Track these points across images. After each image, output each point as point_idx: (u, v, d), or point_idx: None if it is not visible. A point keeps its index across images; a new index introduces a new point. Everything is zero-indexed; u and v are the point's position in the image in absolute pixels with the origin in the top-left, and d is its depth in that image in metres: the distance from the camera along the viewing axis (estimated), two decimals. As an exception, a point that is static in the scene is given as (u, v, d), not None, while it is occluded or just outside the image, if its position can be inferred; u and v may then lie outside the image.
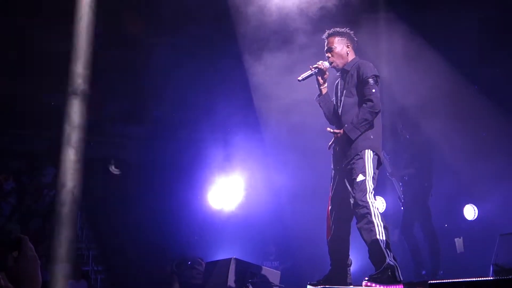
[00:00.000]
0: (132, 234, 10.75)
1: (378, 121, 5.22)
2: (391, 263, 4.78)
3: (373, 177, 5.03)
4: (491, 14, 8.16)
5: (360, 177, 4.99)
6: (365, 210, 4.88)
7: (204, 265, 8.17)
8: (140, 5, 9.64)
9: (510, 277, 3.32)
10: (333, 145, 5.30)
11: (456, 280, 3.55)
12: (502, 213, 8.66)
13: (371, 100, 5.06)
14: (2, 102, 10.86)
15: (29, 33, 9.87)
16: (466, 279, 3.53)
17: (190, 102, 10.97)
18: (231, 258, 6.59)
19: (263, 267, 6.98)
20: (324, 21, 6.83)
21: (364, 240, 4.92)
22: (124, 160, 11.75)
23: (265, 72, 8.09)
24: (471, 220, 9.49)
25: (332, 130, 5.25)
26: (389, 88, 8.27)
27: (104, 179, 11.47)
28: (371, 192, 4.96)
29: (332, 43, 5.41)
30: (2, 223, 10.84)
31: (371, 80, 5.13)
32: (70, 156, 6.25)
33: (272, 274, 6.76)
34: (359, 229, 4.94)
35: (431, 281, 3.96)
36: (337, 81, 5.52)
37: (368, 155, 5.07)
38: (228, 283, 6.37)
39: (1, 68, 10.16)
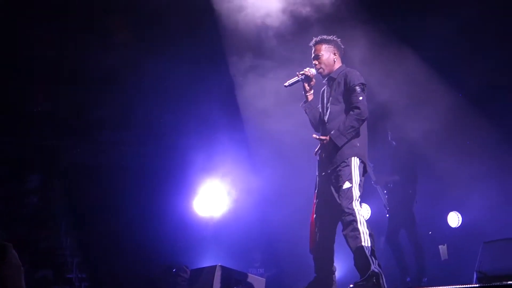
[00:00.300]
0: (117, 241, 10.68)
1: (364, 129, 5.25)
2: (376, 270, 4.80)
3: (359, 184, 5.06)
4: (472, 21, 8.24)
5: (346, 184, 5.01)
6: (351, 218, 4.90)
7: (189, 272, 8.14)
8: (124, 9, 9.62)
9: (493, 284, 3.35)
10: (319, 151, 5.32)
11: (440, 287, 3.58)
12: (485, 221, 8.72)
13: (358, 108, 5.10)
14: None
15: (13, 37, 9.80)
16: (450, 286, 3.56)
17: (176, 107, 10.94)
18: (216, 265, 6.58)
19: (248, 274, 6.97)
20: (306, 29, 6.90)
21: (349, 247, 4.93)
22: (110, 166, 11.68)
23: (251, 76, 8.12)
24: (455, 228, 9.55)
25: (318, 137, 5.27)
26: (374, 95, 8.32)
27: (89, 185, 11.40)
28: (357, 200, 4.98)
29: (319, 50, 5.44)
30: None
31: (358, 88, 5.16)
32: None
33: (257, 281, 6.76)
34: (345, 236, 4.95)
35: (415, 288, 3.99)
36: (323, 89, 5.54)
37: (355, 162, 5.10)
38: (213, 290, 6.36)
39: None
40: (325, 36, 5.49)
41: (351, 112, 5.12)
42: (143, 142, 11.59)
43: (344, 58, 5.58)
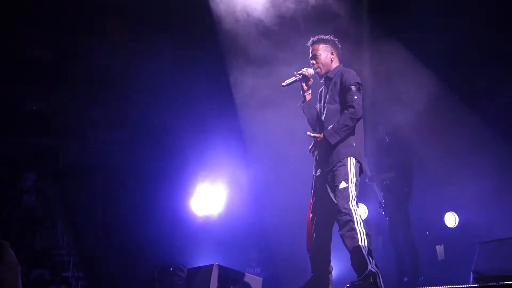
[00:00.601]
0: (114, 240, 10.67)
1: (360, 128, 5.26)
2: (373, 270, 4.80)
3: (355, 184, 5.07)
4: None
5: (342, 184, 5.01)
6: (348, 217, 4.90)
7: (186, 272, 8.13)
8: (120, 10, 9.61)
9: (490, 284, 3.35)
10: (314, 150, 5.32)
11: (436, 287, 3.58)
12: (482, 221, 8.73)
13: (352, 107, 5.10)
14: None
15: (12, 39, 9.78)
16: (446, 286, 3.56)
17: (171, 108, 10.94)
18: (213, 265, 6.58)
19: (245, 273, 6.97)
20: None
21: (346, 247, 4.93)
22: (106, 166, 11.66)
23: (249, 77, 8.12)
24: (452, 228, 9.56)
25: (312, 134, 5.28)
26: (371, 94, 8.33)
27: (85, 185, 11.39)
28: (354, 199, 4.99)
29: (317, 50, 5.45)
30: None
31: (353, 87, 5.17)
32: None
33: (254, 281, 6.76)
34: (342, 236, 4.96)
35: (412, 288, 3.99)
36: (321, 88, 5.55)
37: (351, 162, 5.10)
38: (210, 290, 6.36)
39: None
40: (322, 36, 5.50)
41: (345, 111, 5.14)
42: (139, 142, 11.58)
43: (341, 58, 5.58)
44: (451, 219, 9.58)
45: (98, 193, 11.28)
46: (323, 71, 5.44)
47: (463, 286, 3.85)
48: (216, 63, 9.28)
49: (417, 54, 8.73)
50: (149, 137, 11.47)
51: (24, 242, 10.45)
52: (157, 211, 10.62)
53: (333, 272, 5.32)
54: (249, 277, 6.78)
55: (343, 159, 5.11)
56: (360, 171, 5.22)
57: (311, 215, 5.34)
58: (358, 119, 5.16)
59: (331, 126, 5.15)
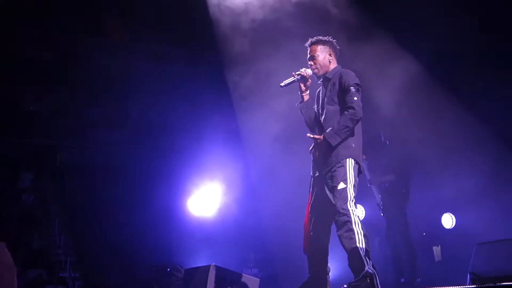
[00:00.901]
0: (111, 240, 10.66)
1: (358, 129, 5.26)
2: (370, 271, 4.80)
3: (354, 185, 5.06)
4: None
5: (341, 185, 5.01)
6: (346, 218, 4.90)
7: (183, 272, 8.14)
8: (122, 11, 9.62)
9: (486, 285, 3.36)
10: (315, 152, 5.32)
11: (434, 288, 3.59)
12: (479, 222, 8.74)
13: (352, 108, 5.10)
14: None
15: (11, 39, 9.78)
16: (443, 287, 3.57)
17: (170, 108, 10.95)
18: (210, 265, 6.57)
19: (243, 274, 6.98)
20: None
21: (344, 247, 4.93)
22: (104, 166, 11.66)
23: (246, 77, 8.13)
24: (449, 229, 9.58)
25: (312, 136, 5.28)
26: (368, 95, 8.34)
27: (83, 185, 11.38)
28: (352, 200, 4.99)
29: (315, 51, 5.45)
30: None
31: (352, 88, 5.16)
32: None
33: (251, 281, 6.76)
34: (339, 237, 4.95)
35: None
36: (319, 89, 5.55)
37: (350, 163, 5.10)
38: (207, 290, 6.36)
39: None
40: (321, 37, 5.49)
41: (345, 112, 5.13)
42: (137, 143, 11.58)
43: (339, 59, 5.58)
44: (448, 220, 9.60)
45: (96, 193, 11.26)
46: (321, 72, 5.44)
47: (460, 287, 3.86)
48: (214, 63, 9.28)
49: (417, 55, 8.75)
50: (147, 137, 11.48)
51: (22, 241, 10.45)
52: (154, 211, 10.63)
53: (330, 273, 5.32)
54: (246, 278, 6.78)
55: (342, 160, 5.11)
56: (359, 172, 5.22)
57: (309, 215, 5.34)
58: (358, 120, 5.15)
59: (331, 127, 5.14)
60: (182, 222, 10.71)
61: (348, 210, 4.92)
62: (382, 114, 8.63)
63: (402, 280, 8.08)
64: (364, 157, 6.69)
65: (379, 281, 4.84)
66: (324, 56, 5.44)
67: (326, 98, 5.35)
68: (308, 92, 5.53)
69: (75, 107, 11.20)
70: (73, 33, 9.82)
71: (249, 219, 10.29)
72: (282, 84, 5.43)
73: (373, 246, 7.15)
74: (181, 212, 10.79)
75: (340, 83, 5.26)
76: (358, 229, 4.87)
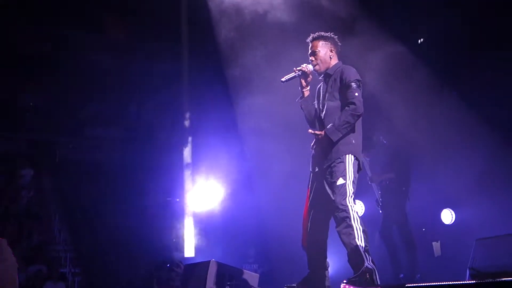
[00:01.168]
0: (110, 236, 10.69)
1: (359, 126, 5.26)
2: (369, 266, 4.82)
3: (353, 181, 5.07)
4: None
5: (340, 181, 5.02)
6: (345, 214, 4.91)
7: (182, 268, 8.15)
8: (120, 9, 9.63)
9: (486, 281, 3.36)
10: (316, 148, 5.32)
11: (433, 283, 3.59)
12: (479, 218, 8.75)
13: (353, 103, 5.09)
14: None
15: (11, 34, 9.79)
16: (443, 283, 3.57)
17: (168, 105, 10.96)
18: (210, 261, 6.58)
19: (242, 269, 6.97)
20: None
21: (343, 243, 4.94)
22: (103, 162, 11.67)
23: (245, 73, 8.12)
24: (448, 224, 9.58)
25: (313, 131, 5.27)
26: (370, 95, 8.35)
27: (82, 181, 11.39)
28: (351, 196, 4.99)
29: (316, 46, 5.44)
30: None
31: (353, 84, 5.16)
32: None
33: (251, 277, 6.77)
34: (338, 233, 4.96)
35: (408, 285, 4.00)
36: (319, 85, 5.54)
37: (349, 159, 5.11)
38: (207, 286, 6.36)
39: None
40: (322, 33, 5.48)
41: (346, 108, 5.12)
42: (136, 139, 11.60)
43: (340, 55, 5.58)
44: (447, 216, 9.60)
45: (95, 189, 11.29)
46: (322, 68, 5.43)
47: (459, 282, 3.86)
48: (212, 61, 9.28)
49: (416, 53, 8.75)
50: (146, 133, 11.49)
51: (21, 237, 10.47)
52: (154, 207, 10.64)
53: (329, 268, 5.33)
54: (246, 274, 6.78)
55: (342, 156, 5.11)
56: (358, 169, 5.22)
57: (307, 211, 5.34)
58: (359, 116, 5.15)
59: (332, 123, 5.14)
60: (182, 218, 10.73)
61: (347, 206, 4.93)
62: (381, 114, 8.64)
63: (401, 275, 8.09)
64: (365, 155, 6.70)
65: (378, 277, 4.85)
66: (325, 52, 5.43)
67: (327, 94, 5.34)
68: (308, 88, 5.52)
69: (75, 103, 11.22)
70: (71, 30, 9.82)
71: (249, 215, 10.30)
72: (283, 79, 5.42)
73: (372, 241, 7.17)
74: (180, 208, 10.80)
75: (341, 79, 5.26)
76: (357, 225, 4.88)
